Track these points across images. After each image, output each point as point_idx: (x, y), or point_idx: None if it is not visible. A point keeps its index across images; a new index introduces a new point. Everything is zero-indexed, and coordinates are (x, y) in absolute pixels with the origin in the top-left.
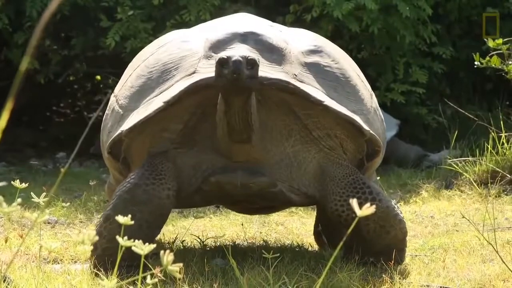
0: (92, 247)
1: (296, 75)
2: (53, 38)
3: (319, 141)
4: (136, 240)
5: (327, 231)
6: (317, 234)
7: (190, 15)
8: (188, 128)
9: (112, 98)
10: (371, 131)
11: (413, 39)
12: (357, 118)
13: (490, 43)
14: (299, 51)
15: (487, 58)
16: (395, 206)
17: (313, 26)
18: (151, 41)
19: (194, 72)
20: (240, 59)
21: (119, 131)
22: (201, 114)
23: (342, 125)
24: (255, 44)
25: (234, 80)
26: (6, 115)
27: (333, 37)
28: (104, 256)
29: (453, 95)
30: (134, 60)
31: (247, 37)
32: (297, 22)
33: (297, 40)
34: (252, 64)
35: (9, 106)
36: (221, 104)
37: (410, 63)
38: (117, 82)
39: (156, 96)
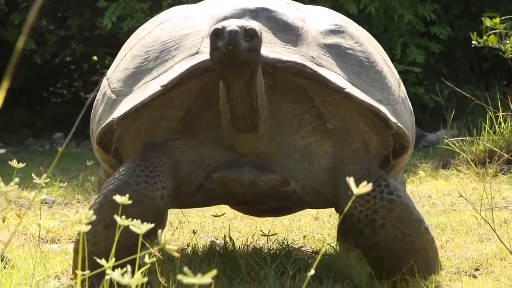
0: (73, 250)
1: (313, 58)
2: (49, 18)
3: (333, 134)
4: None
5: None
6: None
7: None
8: (190, 115)
9: (104, 82)
10: (398, 124)
11: (412, 18)
12: (383, 108)
13: (487, 22)
14: (318, 31)
15: (484, 37)
16: (419, 212)
17: None
18: (147, 21)
19: (197, 53)
20: (237, 28)
21: (110, 119)
22: (205, 100)
23: (366, 116)
24: (267, 22)
25: (230, 53)
26: (2, 94)
27: None
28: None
29: (450, 74)
30: (130, 39)
31: (258, 14)
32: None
33: (316, 19)
34: (252, 35)
35: (5, 85)
36: (222, 87)
37: (407, 43)
38: None
39: (153, 79)
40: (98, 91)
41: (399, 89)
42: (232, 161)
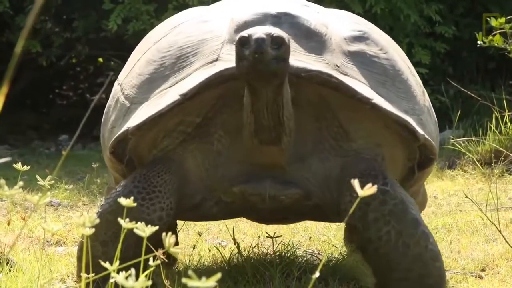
0: (76, 258)
1: (338, 67)
2: (55, 20)
3: (353, 149)
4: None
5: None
6: (348, 235)
7: None
8: (206, 119)
9: (117, 87)
10: (426, 136)
11: (417, 18)
12: (409, 119)
13: (493, 22)
14: (342, 37)
15: (490, 37)
16: (418, 213)
17: None
18: (153, 23)
19: (216, 60)
20: (264, 36)
21: (124, 128)
22: (222, 106)
23: (392, 128)
24: (290, 28)
25: (256, 62)
26: (1, 99)
27: None
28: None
29: (456, 74)
30: (142, 42)
31: (280, 19)
32: None
33: (338, 24)
34: (279, 43)
35: (4, 90)
36: (248, 96)
37: (413, 43)
38: (119, 65)
39: (170, 87)
40: (104, 93)
41: (423, 98)
42: (250, 174)
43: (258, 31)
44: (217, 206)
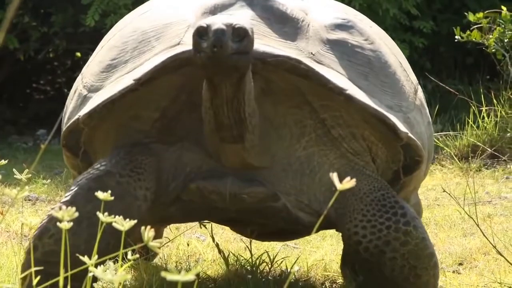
0: (30, 245)
1: (313, 54)
2: (32, 14)
3: (340, 143)
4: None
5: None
6: (344, 261)
7: None
8: (167, 118)
9: (78, 77)
10: (409, 134)
11: (396, 12)
12: (390, 115)
13: (471, 17)
14: (321, 24)
15: (468, 32)
16: (432, 244)
17: None
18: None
19: (178, 43)
20: (223, 27)
21: (76, 117)
22: (186, 100)
23: (371, 123)
24: (263, 12)
25: (215, 56)
26: None
27: None
28: (44, 263)
29: (434, 69)
30: (111, 30)
31: (252, 1)
32: None
33: (322, 11)
34: (241, 35)
35: None
36: (206, 90)
37: (392, 38)
38: None
39: (128, 72)
40: None
41: (414, 95)
42: (213, 170)
43: (218, 21)
44: (175, 205)
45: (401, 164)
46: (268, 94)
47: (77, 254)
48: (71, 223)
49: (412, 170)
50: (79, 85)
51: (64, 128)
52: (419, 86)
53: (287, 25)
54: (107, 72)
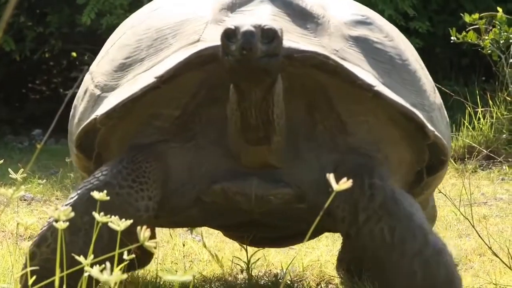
0: (28, 253)
1: (337, 51)
2: (28, 14)
3: (356, 147)
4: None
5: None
6: (340, 262)
7: None
8: (187, 114)
9: (87, 77)
10: (436, 132)
11: (392, 12)
12: (418, 112)
13: (467, 18)
14: (341, 21)
15: (463, 33)
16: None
17: None
18: (127, 18)
19: (198, 40)
20: (252, 29)
21: (92, 116)
22: (206, 95)
23: (397, 121)
24: (284, 8)
25: (244, 59)
26: None
27: None
28: (42, 271)
29: (429, 70)
30: (117, 30)
31: None
32: None
33: (338, 8)
34: (271, 37)
35: None
36: (234, 92)
37: None
38: (92, 59)
39: (145, 70)
40: (77, 87)
41: (434, 94)
42: (236, 170)
43: (246, 23)
44: (196, 207)
45: (425, 164)
46: (291, 93)
47: (74, 257)
48: (68, 224)
49: (436, 170)
50: (89, 85)
51: (78, 129)
52: (435, 86)
53: (307, 21)
54: (122, 71)
